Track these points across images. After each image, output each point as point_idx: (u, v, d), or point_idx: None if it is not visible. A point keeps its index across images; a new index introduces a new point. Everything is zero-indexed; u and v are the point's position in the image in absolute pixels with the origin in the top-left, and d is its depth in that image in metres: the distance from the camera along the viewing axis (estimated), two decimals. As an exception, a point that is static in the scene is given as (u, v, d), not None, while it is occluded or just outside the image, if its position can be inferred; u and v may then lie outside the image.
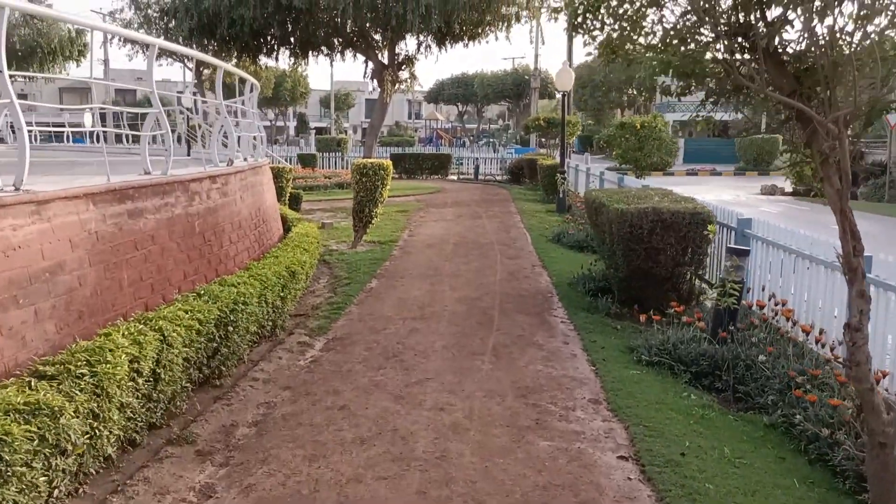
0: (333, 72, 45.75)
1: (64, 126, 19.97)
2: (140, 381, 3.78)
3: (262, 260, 6.43)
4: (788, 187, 26.12)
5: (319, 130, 61.72)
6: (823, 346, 5.18)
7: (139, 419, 3.90)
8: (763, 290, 6.34)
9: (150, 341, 3.82)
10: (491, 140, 48.23)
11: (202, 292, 4.93)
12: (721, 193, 24.95)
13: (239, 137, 7.93)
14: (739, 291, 5.63)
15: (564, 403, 4.77)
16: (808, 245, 5.71)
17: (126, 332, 3.82)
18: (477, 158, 30.67)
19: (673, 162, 13.94)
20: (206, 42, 17.26)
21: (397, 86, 16.45)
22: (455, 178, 29.76)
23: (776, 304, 5.92)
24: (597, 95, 61.04)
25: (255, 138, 9.13)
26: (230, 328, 4.89)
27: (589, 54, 4.15)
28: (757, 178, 35.17)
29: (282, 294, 6.11)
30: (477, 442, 4.17)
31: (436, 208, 17.86)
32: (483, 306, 7.53)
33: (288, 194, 16.19)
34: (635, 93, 66.03)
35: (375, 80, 16.24)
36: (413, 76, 16.56)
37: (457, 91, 62.28)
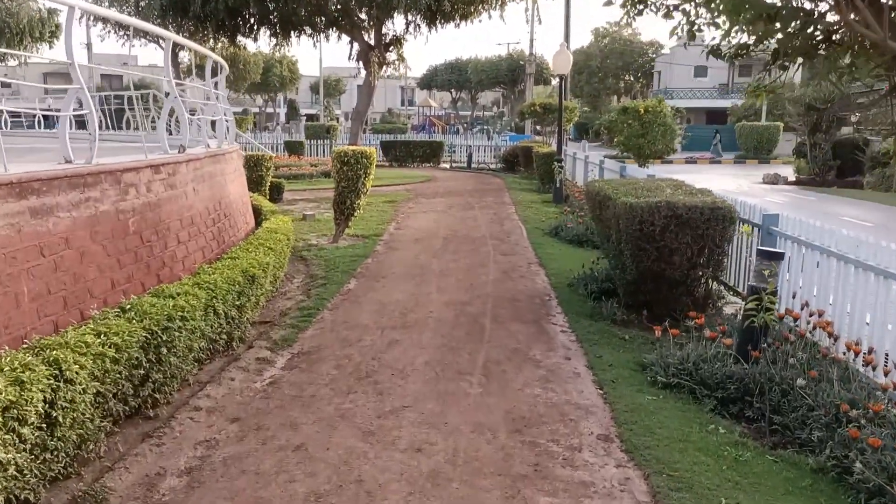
0: (323, 57, 44.57)
1: (50, 111, 18.94)
2: (26, 429, 2.93)
3: (218, 262, 5.55)
4: (791, 176, 25.38)
5: (310, 117, 60.55)
6: (874, 368, 4.37)
7: (30, 475, 3.04)
8: (794, 297, 5.52)
9: (37, 379, 2.96)
10: (485, 127, 47.25)
11: (128, 307, 4.06)
12: (722, 182, 24.19)
13: (196, 121, 7.02)
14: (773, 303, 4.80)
15: (569, 441, 3.94)
16: (852, 247, 4.88)
17: (5, 369, 2.95)
18: (470, 146, 29.73)
19: (678, 149, 13.06)
20: (180, 21, 16.22)
21: (385, 68, 15.50)
22: (447, 166, 28.83)
23: (811, 315, 5.11)
24: (593, 81, 60.05)
25: (215, 123, 8.19)
26: (164, 350, 4.02)
27: (609, 2, 3.27)
28: (758, 166, 34.38)
29: (238, 303, 5.24)
30: (461, 499, 3.34)
31: (426, 198, 16.97)
32: (473, 312, 6.68)
33: (268, 184, 15.28)
34: (632, 79, 65.17)
35: (361, 62, 15.28)
36: (401, 58, 15.60)
37: (450, 77, 61.16)
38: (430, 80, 63.09)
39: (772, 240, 6.06)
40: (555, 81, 61.85)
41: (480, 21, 16.10)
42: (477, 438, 3.96)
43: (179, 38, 6.89)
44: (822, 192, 21.86)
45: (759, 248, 4.87)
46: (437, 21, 15.68)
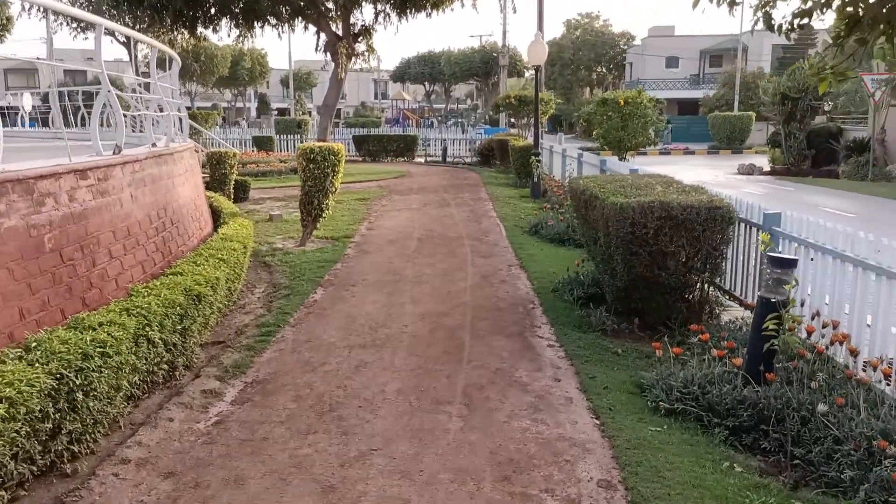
0: (293, 49, 43.43)
1: (5, 109, 17.80)
2: None
3: (158, 280, 4.84)
4: (766, 166, 25.23)
5: (282, 111, 59.29)
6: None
7: None
8: (802, 306, 5.02)
9: None
10: (459, 120, 46.60)
11: (34, 345, 3.36)
12: (697, 173, 23.93)
13: (132, 117, 6.27)
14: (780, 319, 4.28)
15: (565, 491, 3.36)
16: (871, 251, 4.38)
17: None
18: (445, 140, 29.08)
19: (660, 142, 12.59)
20: (135, 11, 15.27)
21: (354, 60, 14.77)
22: (422, 160, 28.16)
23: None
24: (566, 73, 59.70)
25: (156, 120, 7.43)
26: (79, 395, 3.34)
27: None
28: (731, 156, 34.33)
29: (181, 327, 4.56)
30: (440, 578, 2.74)
31: (400, 195, 16.30)
32: (451, 325, 6.08)
33: (232, 182, 14.48)
34: (604, 70, 65.01)
35: (328, 54, 14.53)
36: (371, 49, 14.87)
37: (423, 70, 60.32)
38: (404, 73, 62.19)
39: (774, 242, 5.56)
40: (529, 73, 61.45)
41: (452, 10, 15.45)
42: (458, 490, 3.36)
43: (110, 24, 6.13)
44: (798, 182, 21.69)
45: (770, 254, 4.34)
46: (408, 10, 14.99)
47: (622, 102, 11.40)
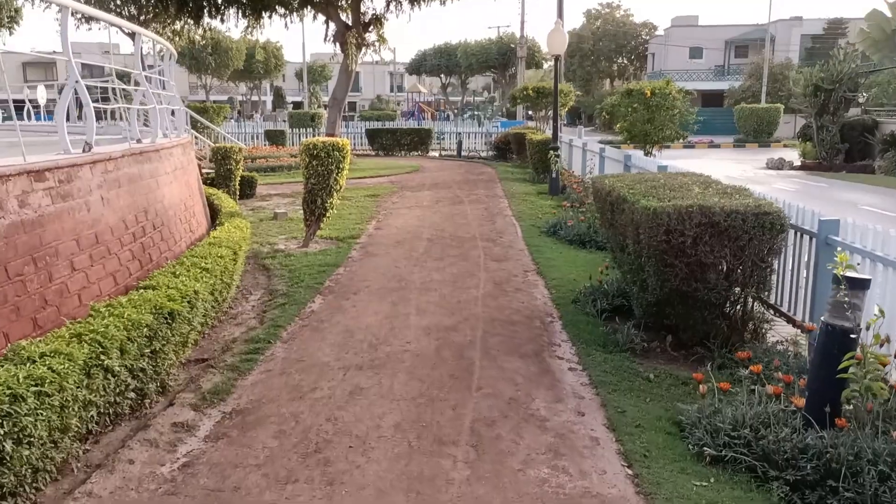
0: (308, 42, 42.90)
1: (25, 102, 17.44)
2: None
3: (125, 297, 4.27)
4: (797, 161, 24.22)
5: (297, 105, 58.95)
6: None
7: None
8: (867, 329, 4.31)
9: None
10: (475, 113, 45.77)
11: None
12: (724, 168, 23.02)
13: (107, 111, 5.71)
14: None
15: (593, 571, 2.73)
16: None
17: None
18: (460, 133, 28.39)
19: (689, 135, 11.84)
20: (140, 1, 14.76)
21: (364, 50, 14.15)
22: (436, 154, 27.51)
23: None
24: (585, 65, 58.53)
25: (147, 113, 6.87)
26: (7, 445, 2.77)
27: None
28: (758, 150, 33.20)
29: (149, 350, 3.98)
30: None
31: (411, 192, 15.68)
32: (459, 342, 5.45)
33: (238, 178, 13.97)
34: (625, 61, 63.69)
35: (338, 44, 13.93)
36: (382, 39, 14.23)
37: (439, 62, 59.46)
38: (419, 66, 61.39)
39: (829, 252, 4.84)
40: (547, 64, 60.42)
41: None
42: (461, 567, 2.74)
43: (83, 7, 5.55)
44: (832, 178, 20.70)
45: (840, 272, 3.65)
46: (422, -1, 14.35)
47: (649, 94, 10.64)
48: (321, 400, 4.35)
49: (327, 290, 7.11)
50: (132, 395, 3.95)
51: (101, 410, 3.65)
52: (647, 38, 59.79)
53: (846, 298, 3.58)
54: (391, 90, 77.50)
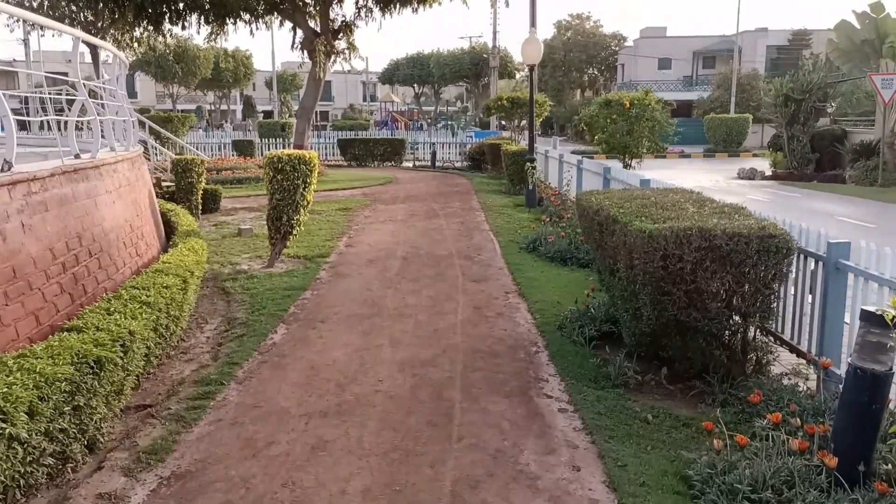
0: (276, 50, 42.19)
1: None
2: None
3: (44, 342, 3.64)
4: (768, 170, 24.29)
5: (268, 114, 57.99)
6: None
7: None
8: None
9: None
10: (449, 123, 45.46)
11: None
12: (696, 178, 22.96)
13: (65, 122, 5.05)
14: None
15: None
16: None
17: None
18: (434, 143, 27.94)
19: (668, 148, 11.53)
20: (95, 6, 14.00)
21: (333, 58, 13.61)
22: (410, 164, 27.02)
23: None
24: (557, 75, 58.73)
25: (86, 125, 6.22)
26: None
27: None
28: (728, 160, 33.40)
29: (69, 407, 3.37)
30: None
31: (385, 205, 15.13)
32: (438, 379, 4.92)
33: (200, 192, 13.26)
34: (596, 72, 64.16)
35: (305, 52, 13.36)
36: (352, 46, 13.70)
37: (412, 71, 59.08)
38: (392, 75, 60.95)
39: (840, 279, 4.44)
40: (520, 75, 60.53)
41: (440, 4, 14.33)
42: None
43: (11, 9, 4.92)
44: (804, 188, 20.73)
45: (865, 308, 3.22)
46: (392, 5, 13.85)
47: (628, 104, 10.30)
48: (278, 458, 3.77)
49: (292, 317, 6.51)
50: (50, 460, 3.33)
51: (8, 484, 3.03)
52: (617, 49, 60.39)
53: (877, 339, 3.14)
54: (364, 99, 76.99)
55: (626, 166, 10.98)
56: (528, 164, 14.72)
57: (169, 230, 9.24)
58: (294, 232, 8.90)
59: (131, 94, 66.00)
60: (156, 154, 15.24)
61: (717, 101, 42.53)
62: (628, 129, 10.52)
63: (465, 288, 7.59)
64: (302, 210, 8.85)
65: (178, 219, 9.57)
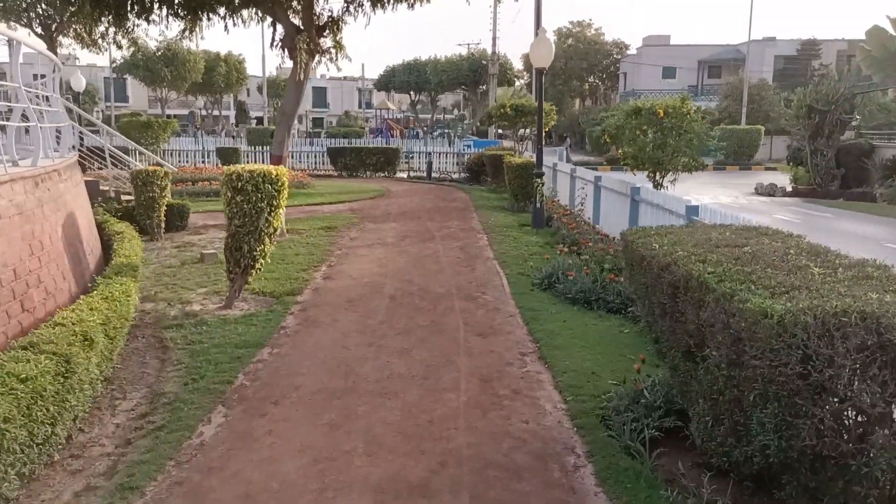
0: (266, 52, 40.68)
1: None
2: None
3: None
4: (788, 186, 22.73)
5: (261, 120, 56.42)
6: None
7: None
8: None
9: None
10: (446, 131, 43.94)
11: None
12: (713, 193, 21.42)
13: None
14: None
15: None
16: None
17: None
18: (430, 153, 26.32)
19: (707, 165, 9.88)
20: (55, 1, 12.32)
21: (318, 58, 12.02)
22: (405, 175, 25.38)
23: None
24: (557, 84, 57.30)
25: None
26: None
27: None
28: (739, 173, 31.90)
29: None
30: None
31: (374, 223, 13.45)
32: (433, 527, 3.23)
33: (163, 208, 11.56)
34: (597, 81, 62.81)
35: (286, 50, 11.78)
36: (339, 45, 12.08)
37: (409, 78, 57.56)
38: (388, 82, 59.43)
39: None
40: (519, 82, 59.15)
41: (440, -1, 12.70)
42: None
43: None
44: (831, 206, 19.15)
45: None
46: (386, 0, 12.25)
47: (662, 113, 8.69)
48: None
49: (237, 394, 4.82)
50: None
51: None
52: (619, 57, 59.17)
53: None
54: (360, 106, 75.56)
55: (657, 185, 9.34)
56: (536, 179, 13.11)
57: (108, 260, 7.56)
58: (257, 265, 7.21)
59: (122, 98, 64.47)
60: (120, 164, 13.54)
61: (726, 112, 41.07)
62: (660, 143, 8.88)
63: (468, 345, 5.90)
64: (267, 239, 7.17)
65: (119, 246, 7.89)
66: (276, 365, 5.40)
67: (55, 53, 15.02)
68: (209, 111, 62.97)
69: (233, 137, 42.61)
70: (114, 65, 47.80)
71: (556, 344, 5.89)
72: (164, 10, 12.52)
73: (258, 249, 7.08)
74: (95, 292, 5.30)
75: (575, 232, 10.78)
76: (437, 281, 8.41)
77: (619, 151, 10.04)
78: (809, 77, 44.45)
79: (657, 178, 9.29)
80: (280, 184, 7.11)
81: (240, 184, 6.82)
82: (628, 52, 58.88)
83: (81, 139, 15.60)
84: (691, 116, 8.83)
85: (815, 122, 21.18)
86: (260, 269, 7.39)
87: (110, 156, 13.28)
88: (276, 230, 7.34)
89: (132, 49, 46.63)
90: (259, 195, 6.89)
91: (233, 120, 66.89)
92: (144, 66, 46.20)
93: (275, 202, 7.07)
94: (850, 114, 21.55)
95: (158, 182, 11.33)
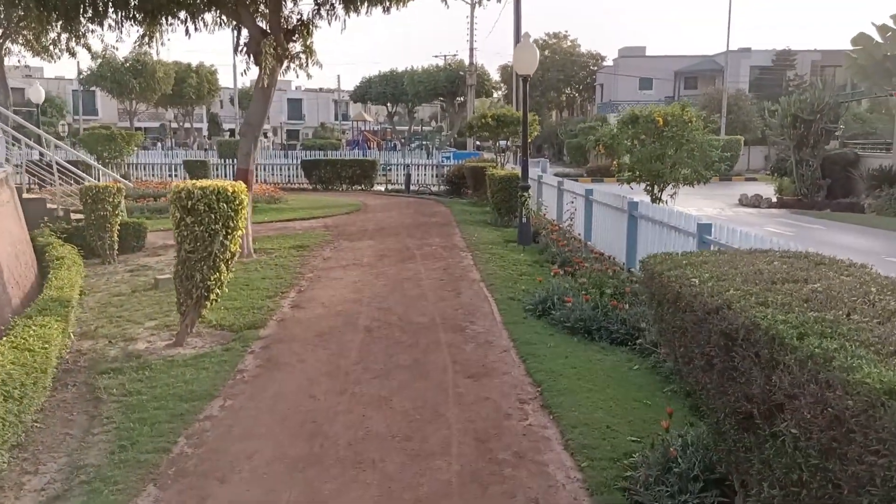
0: (237, 62, 39.63)
1: None
2: None
3: None
4: (773, 197, 22.34)
5: (234, 132, 55.17)
6: None
7: None
8: None
9: None
10: (424, 143, 43.22)
11: None
12: (696, 205, 20.89)
13: None
14: None
15: None
16: None
17: None
18: (408, 165, 25.50)
19: (714, 177, 9.21)
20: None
21: (286, 64, 11.16)
22: (382, 188, 24.51)
23: None
24: (534, 95, 57.07)
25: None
26: None
27: None
28: (722, 184, 31.41)
29: None
30: None
31: (349, 241, 12.55)
32: None
33: (115, 227, 10.53)
34: (574, 92, 62.76)
35: (251, 55, 10.90)
36: (310, 50, 11.21)
37: (385, 89, 56.85)
38: (364, 93, 58.64)
39: None
40: (497, 94, 58.79)
41: (415, 1, 11.87)
42: None
43: None
44: (821, 218, 18.73)
45: None
46: (360, 2, 11.43)
47: (661, 122, 7.99)
48: None
49: (174, 467, 3.88)
50: None
51: None
52: (595, 68, 59.25)
53: None
54: (336, 118, 74.68)
55: (656, 199, 8.61)
56: (522, 192, 12.35)
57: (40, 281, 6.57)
58: (212, 297, 6.27)
59: (92, 111, 62.64)
60: (75, 181, 12.45)
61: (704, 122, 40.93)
62: (660, 153, 8.16)
63: (458, 391, 5.04)
64: (223, 266, 6.24)
65: (55, 275, 6.89)
66: (228, 423, 4.47)
67: (1, 63, 13.91)
68: (181, 123, 61.50)
69: (205, 150, 41.46)
70: (80, 76, 46.34)
71: (561, 388, 5.05)
72: (119, 14, 11.53)
73: (212, 278, 6.15)
74: (6, 339, 4.34)
75: (566, 250, 10.01)
76: (418, 308, 7.54)
77: (615, 163, 9.31)
78: (784, 87, 44.69)
79: (655, 191, 8.56)
80: (238, 202, 6.20)
81: (190, 203, 5.90)
82: (604, 63, 58.96)
83: (41, 155, 14.49)
84: (693, 125, 8.12)
85: (801, 132, 20.85)
86: (216, 301, 6.45)
87: (59, 171, 12.19)
88: (233, 255, 6.42)
89: (98, 60, 45.27)
90: (213, 216, 5.98)
91: (205, 132, 65.51)
92: (112, 78, 44.85)
93: (231, 223, 6.16)
94: (835, 123, 21.26)
95: (110, 199, 10.30)
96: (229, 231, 6.15)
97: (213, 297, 6.29)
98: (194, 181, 6.13)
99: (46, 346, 4.59)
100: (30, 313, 5.18)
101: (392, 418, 4.52)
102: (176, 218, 6.02)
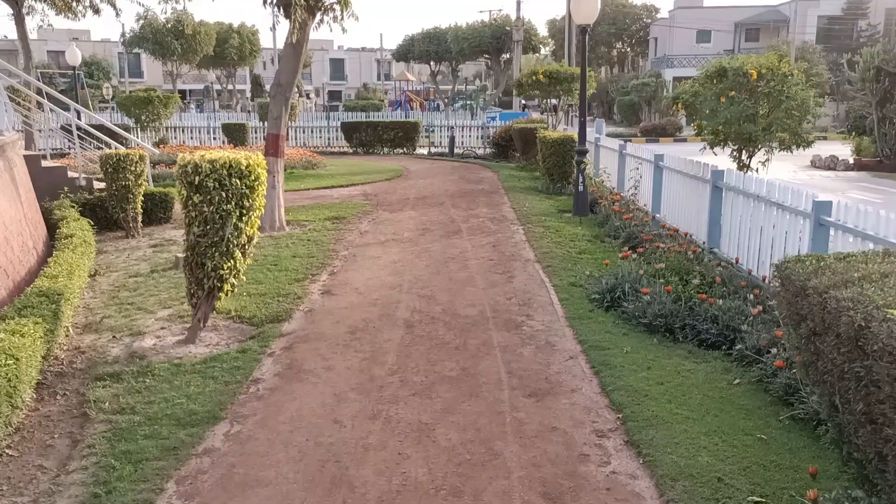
0: (268, 17, 38.76)
1: None
2: None
3: None
4: (850, 158, 20.27)
5: (275, 94, 54.32)
6: None
7: None
8: None
9: None
10: (468, 103, 41.58)
11: None
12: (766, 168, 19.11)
13: None
14: None
15: None
16: None
17: None
18: (452, 126, 24.23)
19: (813, 140, 7.87)
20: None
21: (319, 17, 10.08)
22: (425, 151, 23.39)
23: None
24: (584, 50, 54.38)
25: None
26: None
27: None
28: (788, 144, 29.27)
29: None
30: None
31: (389, 212, 11.58)
32: None
33: (139, 198, 9.80)
34: (626, 47, 59.56)
35: (280, 9, 9.85)
36: (345, 3, 10.12)
37: (429, 48, 54.96)
38: (407, 52, 56.87)
39: None
40: (545, 49, 56.14)
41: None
42: None
43: None
44: (913, 182, 16.79)
45: None
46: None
47: (755, 75, 6.63)
48: None
49: (154, 533, 3.03)
50: None
51: None
52: (649, 21, 55.94)
53: None
54: (378, 78, 73.28)
55: (744, 167, 7.28)
56: (579, 157, 11.09)
57: (35, 270, 5.81)
58: (226, 287, 5.39)
59: (137, 73, 62.97)
60: (106, 146, 11.76)
61: (768, 77, 37.99)
62: (751, 114, 6.80)
63: (516, 417, 4.03)
64: (238, 252, 5.33)
65: (55, 258, 6.13)
66: (230, 462, 3.59)
67: (23, 21, 13.25)
68: (224, 85, 61.19)
69: (248, 112, 40.98)
70: (123, 39, 46.19)
71: (648, 415, 3.99)
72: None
73: (226, 266, 5.25)
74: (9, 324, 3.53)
75: (633, 224, 8.79)
76: (466, 297, 6.53)
77: (695, 124, 7.96)
78: (856, 39, 41.04)
79: (743, 157, 7.22)
80: (254, 178, 5.25)
81: (197, 179, 4.98)
82: (659, 15, 55.57)
83: (77, 117, 13.92)
84: (793, 78, 6.72)
85: (885, 87, 18.66)
86: (231, 291, 5.57)
87: (87, 136, 11.52)
88: (251, 240, 5.50)
89: (140, 21, 44.86)
90: (224, 194, 5.05)
91: (248, 94, 65.16)
92: (153, 39, 44.50)
93: (246, 203, 5.22)
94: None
95: (132, 168, 9.54)
96: (244, 211, 5.22)
97: (227, 287, 5.41)
98: (202, 153, 5.18)
99: (16, 358, 3.77)
100: (7, 314, 4.38)
101: (436, 459, 3.56)
102: (182, 196, 5.12)
